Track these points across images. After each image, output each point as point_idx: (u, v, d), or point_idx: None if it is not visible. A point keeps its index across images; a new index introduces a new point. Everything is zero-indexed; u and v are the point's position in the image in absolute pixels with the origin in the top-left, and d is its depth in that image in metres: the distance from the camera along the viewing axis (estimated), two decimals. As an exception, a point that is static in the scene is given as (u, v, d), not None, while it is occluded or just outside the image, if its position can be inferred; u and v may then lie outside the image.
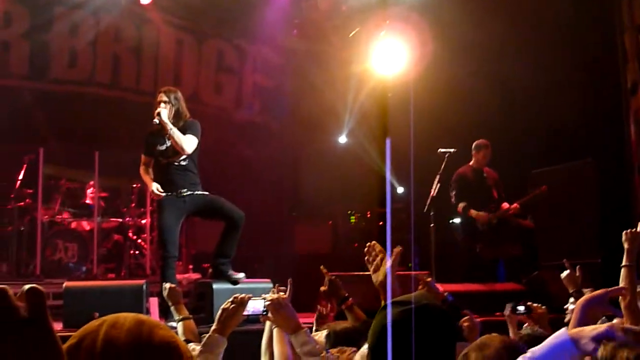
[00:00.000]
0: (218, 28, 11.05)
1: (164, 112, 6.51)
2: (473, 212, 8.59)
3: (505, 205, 8.67)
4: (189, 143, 6.55)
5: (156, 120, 6.48)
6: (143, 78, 10.57)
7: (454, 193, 8.63)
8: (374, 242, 3.49)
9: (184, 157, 6.63)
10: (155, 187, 6.51)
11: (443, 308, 1.79)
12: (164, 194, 6.50)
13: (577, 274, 4.57)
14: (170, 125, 6.49)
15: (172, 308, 4.30)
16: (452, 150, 8.55)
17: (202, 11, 10.72)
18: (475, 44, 9.48)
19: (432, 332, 1.74)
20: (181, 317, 4.13)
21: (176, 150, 6.58)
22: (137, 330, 1.27)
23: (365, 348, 4.05)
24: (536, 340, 3.76)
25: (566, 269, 4.63)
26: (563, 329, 1.86)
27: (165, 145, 6.60)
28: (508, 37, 9.36)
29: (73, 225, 8.97)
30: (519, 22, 9.42)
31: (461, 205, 8.61)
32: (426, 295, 1.81)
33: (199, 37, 11.02)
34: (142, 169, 6.79)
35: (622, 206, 8.60)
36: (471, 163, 8.79)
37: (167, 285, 4.43)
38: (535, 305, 5.03)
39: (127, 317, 1.30)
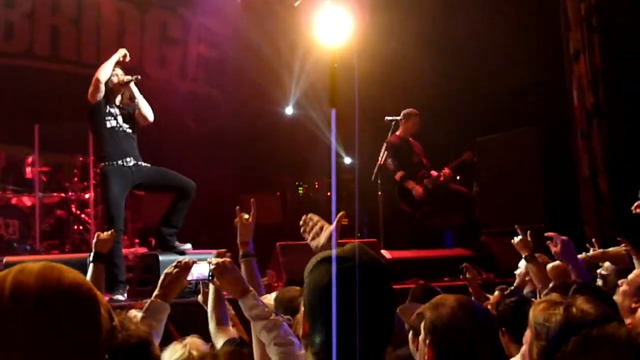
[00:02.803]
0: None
1: (129, 77, 6.40)
2: (410, 184, 8.64)
3: (434, 172, 8.77)
4: (151, 111, 6.46)
5: (128, 78, 6.33)
6: (84, 50, 10.32)
7: (390, 160, 8.64)
8: (310, 214, 3.49)
9: (132, 126, 6.49)
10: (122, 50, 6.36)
11: (383, 265, 1.73)
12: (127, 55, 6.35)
13: (529, 238, 4.69)
14: (138, 93, 6.39)
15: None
16: (398, 117, 8.57)
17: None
18: (418, 11, 9.49)
19: (373, 292, 1.68)
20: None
21: (130, 118, 6.45)
22: (46, 274, 1.21)
23: (274, 295, 4.05)
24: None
25: (517, 235, 4.76)
26: None
27: (116, 108, 6.43)
28: (451, 3, 9.37)
29: (14, 201, 8.74)
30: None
31: (399, 174, 8.65)
32: (365, 248, 1.73)
33: (141, 8, 10.79)
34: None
35: (565, 172, 8.74)
36: (398, 132, 8.80)
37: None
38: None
39: (35, 264, 1.25)
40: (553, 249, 3.89)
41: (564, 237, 3.91)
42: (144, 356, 2.09)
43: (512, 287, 4.71)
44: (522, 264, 5.09)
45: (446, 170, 8.70)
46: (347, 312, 1.61)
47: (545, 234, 3.92)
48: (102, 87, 6.29)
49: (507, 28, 9.06)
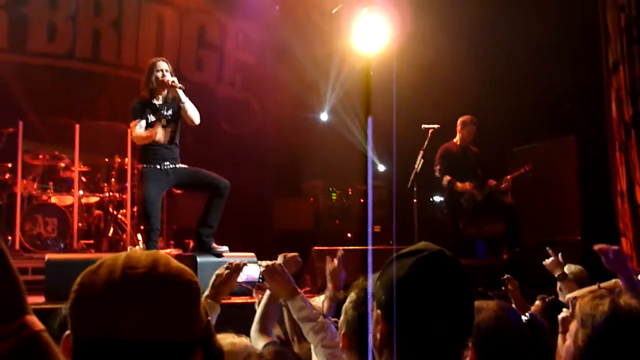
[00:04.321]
0: (200, 3, 10.95)
1: (176, 79, 6.48)
2: (459, 185, 8.61)
3: (492, 182, 8.71)
4: (198, 114, 6.54)
5: (175, 81, 6.42)
6: (124, 53, 10.46)
7: (438, 167, 8.64)
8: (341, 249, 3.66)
9: (174, 128, 6.58)
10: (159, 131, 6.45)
11: (453, 255, 1.72)
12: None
13: (560, 259, 4.80)
14: (184, 96, 6.46)
15: None
16: (435, 126, 8.56)
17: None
18: (458, 20, 9.49)
19: (447, 281, 1.66)
20: None
21: (173, 121, 6.54)
22: (155, 257, 1.30)
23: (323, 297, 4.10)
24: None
25: (549, 255, 4.95)
26: None
27: (161, 115, 6.52)
28: (491, 13, 9.36)
29: (53, 200, 8.88)
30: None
31: (446, 179, 8.63)
32: (431, 244, 1.72)
33: (180, 12, 10.91)
34: (138, 130, 6.51)
35: (602, 183, 8.67)
36: (455, 140, 8.81)
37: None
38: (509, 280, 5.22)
39: (142, 251, 1.33)
40: (604, 260, 3.91)
41: (615, 247, 3.93)
42: (209, 347, 2.14)
43: (553, 297, 4.72)
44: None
45: (508, 179, 8.64)
46: (433, 302, 1.62)
47: (595, 247, 3.95)
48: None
49: (546, 37, 9.03)
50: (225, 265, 3.30)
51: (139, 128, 6.47)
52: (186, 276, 1.30)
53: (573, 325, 2.07)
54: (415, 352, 1.61)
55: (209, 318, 1.35)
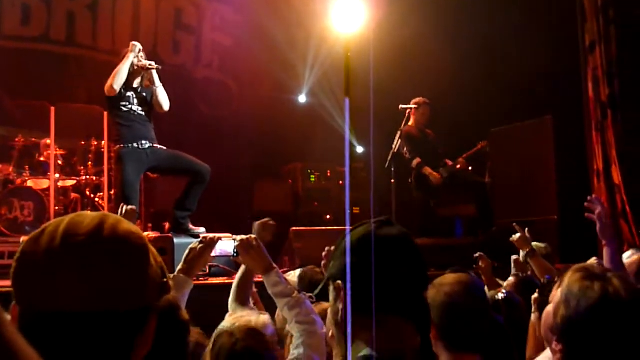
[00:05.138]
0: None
1: (153, 63, 6.49)
2: (427, 170, 8.68)
3: (448, 161, 8.82)
4: (168, 100, 6.54)
5: (150, 64, 6.39)
6: (99, 35, 10.36)
7: (405, 149, 8.67)
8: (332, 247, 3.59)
9: (148, 110, 6.57)
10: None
11: (409, 234, 1.75)
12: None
13: (527, 235, 4.81)
14: (159, 81, 6.46)
15: None
16: (413, 106, 8.58)
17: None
18: (433, 1, 9.48)
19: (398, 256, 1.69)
20: None
21: (147, 102, 6.53)
22: (101, 219, 1.24)
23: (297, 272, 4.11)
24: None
25: (517, 232, 4.98)
26: None
27: (134, 94, 6.50)
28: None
29: (29, 183, 8.80)
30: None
31: (415, 161, 8.69)
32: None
33: (156, -6, 10.82)
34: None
35: (579, 163, 8.72)
36: (411, 122, 8.82)
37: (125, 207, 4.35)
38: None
39: (95, 212, 1.28)
40: (599, 226, 3.74)
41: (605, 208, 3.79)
42: (173, 318, 2.14)
43: (526, 274, 4.76)
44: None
45: (461, 160, 8.75)
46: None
47: (588, 198, 3.80)
48: (117, 90, 6.37)
49: (522, 18, 9.04)
50: (199, 240, 3.29)
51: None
52: (134, 239, 1.24)
53: (556, 296, 2.02)
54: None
55: (166, 282, 1.29)
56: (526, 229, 4.95)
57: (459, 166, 8.79)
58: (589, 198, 3.71)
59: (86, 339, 1.19)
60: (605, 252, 3.67)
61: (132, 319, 1.22)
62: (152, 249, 1.28)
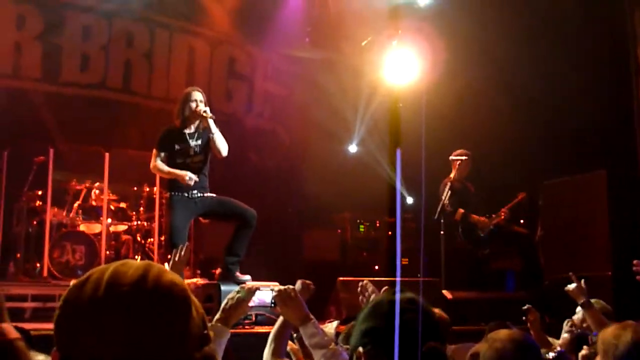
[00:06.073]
0: (230, 34, 11.06)
1: (209, 109, 6.56)
2: (474, 217, 8.60)
3: (493, 216, 8.75)
4: (226, 146, 6.60)
5: (207, 110, 6.49)
6: (155, 83, 10.58)
7: (448, 201, 8.60)
8: (366, 281, 3.62)
9: (203, 159, 6.64)
10: (189, 173, 6.50)
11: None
12: (195, 179, 6.50)
13: (583, 285, 4.71)
14: (215, 127, 6.53)
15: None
16: (463, 157, 8.53)
17: (214, 16, 10.75)
18: (486, 52, 9.48)
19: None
20: None
21: (202, 151, 6.60)
22: (145, 270, 1.23)
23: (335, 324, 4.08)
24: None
25: (572, 282, 4.84)
26: None
27: (190, 144, 6.59)
28: (520, 44, 9.33)
29: (82, 227, 8.95)
30: (531, 30, 9.40)
31: (460, 212, 8.62)
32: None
33: (210, 43, 11.03)
34: (155, 164, 6.69)
35: (633, 218, 8.53)
36: (452, 175, 8.75)
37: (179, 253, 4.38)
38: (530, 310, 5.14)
39: (138, 261, 1.28)
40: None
41: None
42: None
43: (581, 330, 4.64)
44: (580, 309, 5.06)
45: (504, 210, 8.66)
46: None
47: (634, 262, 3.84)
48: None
49: (577, 69, 8.95)
50: (237, 289, 3.28)
51: (161, 165, 6.60)
52: (176, 291, 1.23)
53: (598, 358, 2.03)
54: None
55: (206, 334, 1.27)
56: (582, 280, 4.80)
57: (502, 216, 8.69)
58: (634, 262, 3.74)
59: None
60: None
61: None
62: (195, 300, 1.27)
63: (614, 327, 1.95)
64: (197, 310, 1.27)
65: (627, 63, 8.78)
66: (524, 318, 5.22)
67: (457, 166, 8.70)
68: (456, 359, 3.38)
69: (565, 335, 4.44)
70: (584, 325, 4.92)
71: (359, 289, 4.64)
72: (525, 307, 5.28)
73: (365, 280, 5.01)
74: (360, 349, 1.80)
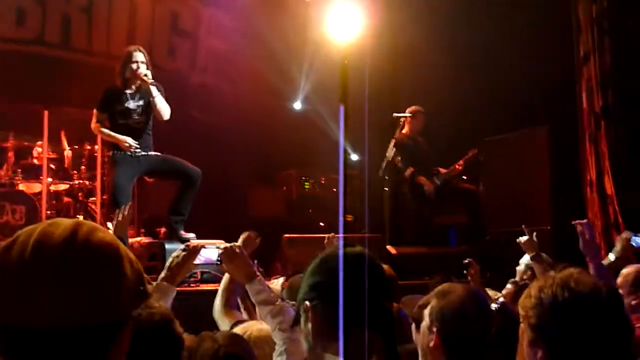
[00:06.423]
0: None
1: (150, 73, 6.44)
2: (421, 179, 8.69)
3: (442, 169, 8.84)
4: (168, 109, 6.52)
5: (148, 78, 6.36)
6: (94, 39, 10.32)
7: (398, 159, 8.67)
8: (332, 234, 3.65)
9: (145, 119, 6.56)
10: (130, 139, 6.42)
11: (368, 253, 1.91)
12: (134, 146, 6.42)
13: (535, 239, 4.83)
14: (156, 90, 6.42)
15: None
16: (407, 114, 8.58)
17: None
18: (431, 11, 9.49)
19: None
20: None
21: (144, 111, 6.51)
22: (74, 229, 1.20)
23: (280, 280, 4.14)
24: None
25: (524, 235, 4.92)
26: None
27: (131, 105, 6.49)
28: (464, 4, 9.37)
29: (21, 187, 8.76)
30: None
31: (408, 171, 8.69)
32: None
33: (152, -2, 10.80)
34: (96, 125, 6.63)
35: (572, 174, 8.73)
36: (405, 130, 8.83)
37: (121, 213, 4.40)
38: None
39: (69, 220, 1.24)
40: (581, 241, 3.90)
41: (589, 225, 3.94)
42: (167, 332, 2.13)
43: (525, 281, 4.75)
44: (523, 261, 5.17)
45: (459, 166, 8.75)
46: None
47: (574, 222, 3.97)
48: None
49: (518, 28, 9.04)
50: (182, 248, 3.28)
51: (102, 127, 6.57)
52: (106, 249, 1.20)
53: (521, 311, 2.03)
54: None
55: (143, 290, 1.25)
56: (534, 233, 4.88)
57: (453, 173, 8.80)
58: (573, 222, 3.87)
59: (56, 356, 1.16)
60: (590, 267, 3.76)
61: (104, 331, 1.19)
62: (130, 255, 1.25)
63: (542, 280, 1.95)
64: (133, 266, 1.24)
65: (568, 22, 8.90)
66: (464, 272, 5.33)
67: (409, 122, 8.75)
68: (405, 310, 3.44)
69: (508, 286, 4.55)
70: (525, 277, 5.05)
71: (325, 241, 4.68)
72: (466, 261, 5.38)
73: (331, 234, 5.07)
74: (307, 303, 1.82)
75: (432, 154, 9.02)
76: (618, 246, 4.80)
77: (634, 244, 4.46)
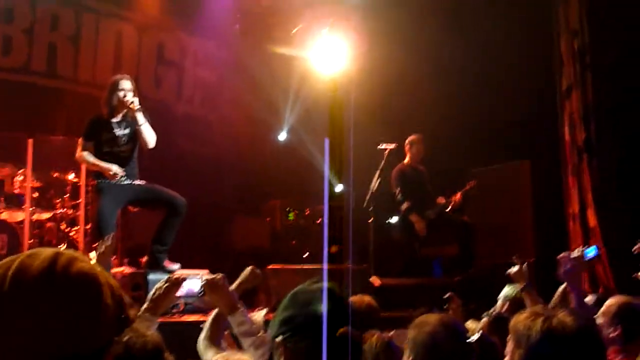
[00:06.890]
0: (159, 19, 10.90)
1: (137, 101, 6.43)
2: (414, 217, 8.68)
3: (441, 199, 8.85)
4: (154, 137, 6.50)
5: (135, 105, 6.35)
6: (81, 67, 10.34)
7: (398, 190, 8.70)
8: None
9: (131, 147, 6.55)
10: (115, 166, 6.39)
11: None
12: (120, 173, 6.39)
13: (525, 269, 4.81)
14: (143, 118, 6.41)
15: None
16: (391, 146, 8.62)
17: (143, 1, 10.58)
18: (416, 42, 9.58)
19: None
20: None
21: (130, 140, 6.50)
22: (53, 259, 1.20)
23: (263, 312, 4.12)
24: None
25: (514, 265, 4.93)
26: None
27: (117, 134, 6.48)
28: (448, 35, 9.46)
29: (3, 215, 8.69)
30: (459, 21, 9.55)
31: (405, 205, 8.69)
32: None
33: (139, 28, 10.84)
34: (81, 155, 6.58)
35: (555, 207, 8.79)
36: (406, 160, 8.89)
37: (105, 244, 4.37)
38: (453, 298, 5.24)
39: (48, 250, 1.24)
40: (562, 271, 3.93)
41: (573, 255, 3.97)
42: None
43: (495, 311, 4.76)
44: (504, 292, 5.16)
45: (457, 197, 8.77)
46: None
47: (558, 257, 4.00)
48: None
49: (503, 61, 9.14)
50: (165, 279, 3.26)
51: (87, 155, 6.48)
52: (85, 280, 1.21)
53: (509, 345, 2.07)
54: None
55: (126, 317, 1.26)
56: (525, 263, 4.89)
57: (453, 205, 8.81)
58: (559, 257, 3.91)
59: None
60: (572, 298, 3.78)
61: None
62: (111, 281, 1.25)
63: (525, 315, 2.00)
64: (114, 293, 1.25)
65: (551, 57, 9.02)
66: (445, 306, 5.32)
67: (409, 151, 8.82)
68: (397, 343, 3.47)
69: (483, 319, 4.55)
70: (503, 310, 5.05)
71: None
72: (447, 295, 5.38)
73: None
74: (278, 338, 1.90)
75: (430, 183, 9.05)
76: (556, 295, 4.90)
77: (586, 258, 4.47)
